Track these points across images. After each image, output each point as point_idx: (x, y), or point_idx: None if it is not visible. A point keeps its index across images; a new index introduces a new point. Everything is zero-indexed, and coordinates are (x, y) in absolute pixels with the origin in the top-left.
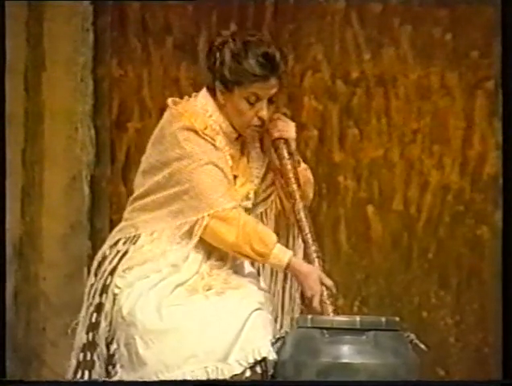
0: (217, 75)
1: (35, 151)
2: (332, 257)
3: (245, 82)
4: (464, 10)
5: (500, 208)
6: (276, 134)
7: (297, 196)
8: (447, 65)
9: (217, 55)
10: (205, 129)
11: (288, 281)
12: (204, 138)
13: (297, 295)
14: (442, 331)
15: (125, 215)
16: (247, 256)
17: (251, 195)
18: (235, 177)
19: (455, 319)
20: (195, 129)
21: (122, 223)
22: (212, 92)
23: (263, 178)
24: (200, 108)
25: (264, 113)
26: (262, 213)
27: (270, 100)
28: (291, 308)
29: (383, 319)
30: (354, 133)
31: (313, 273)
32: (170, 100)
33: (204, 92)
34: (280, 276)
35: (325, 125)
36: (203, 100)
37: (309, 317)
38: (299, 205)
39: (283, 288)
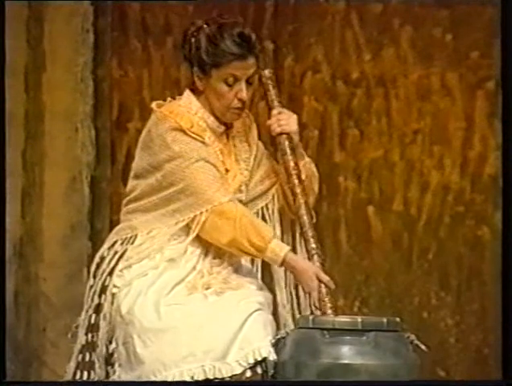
0: (194, 61)
1: (36, 152)
2: (332, 258)
3: (223, 63)
4: (465, 10)
5: (500, 209)
6: (278, 129)
7: (298, 192)
8: (447, 66)
9: (193, 41)
10: (192, 127)
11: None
12: (191, 136)
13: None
14: (442, 332)
15: (121, 217)
16: (244, 252)
17: (243, 188)
18: (227, 171)
19: (455, 320)
20: (181, 129)
21: (119, 225)
22: (195, 91)
23: (254, 170)
24: (184, 108)
25: (243, 94)
26: (262, 208)
27: (248, 82)
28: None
29: (384, 320)
30: (354, 134)
31: (309, 270)
32: (154, 104)
33: (187, 92)
34: (291, 277)
35: (325, 125)
36: (186, 100)
37: (310, 317)
38: (301, 201)
39: (297, 289)
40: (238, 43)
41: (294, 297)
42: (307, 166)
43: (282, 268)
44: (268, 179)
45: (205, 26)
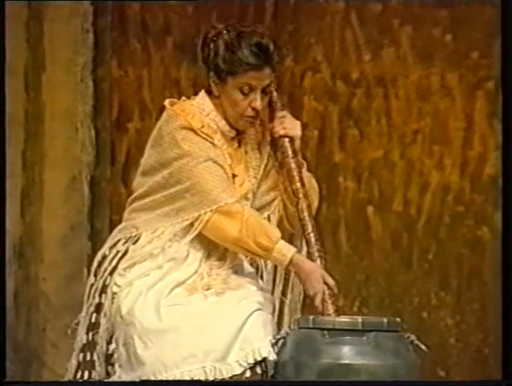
0: (211, 66)
1: (35, 152)
2: (332, 258)
3: (239, 71)
4: (465, 10)
5: (500, 209)
6: (282, 132)
7: (301, 195)
8: (447, 66)
9: (211, 46)
10: (202, 127)
11: (289, 293)
12: (201, 136)
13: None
14: (442, 332)
15: (125, 215)
16: (250, 252)
17: (250, 195)
18: (234, 176)
19: (455, 320)
20: (192, 128)
21: (122, 224)
22: (210, 93)
23: (262, 180)
24: (196, 108)
25: (258, 104)
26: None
27: (264, 92)
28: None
29: (385, 320)
30: (354, 134)
31: (316, 272)
32: (167, 102)
33: (202, 93)
34: (280, 287)
35: (325, 125)
36: (200, 100)
37: (311, 318)
38: (303, 204)
39: (284, 294)
40: (255, 53)
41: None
42: (308, 178)
43: (272, 276)
44: (273, 191)
45: (225, 32)
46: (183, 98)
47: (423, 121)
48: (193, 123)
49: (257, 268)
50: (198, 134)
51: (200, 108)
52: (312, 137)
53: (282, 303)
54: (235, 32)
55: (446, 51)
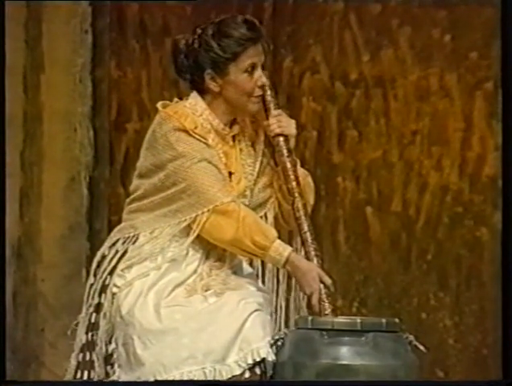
0: (206, 65)
1: (34, 152)
2: (330, 258)
3: (240, 52)
4: (464, 11)
5: (499, 210)
6: (278, 130)
7: (296, 194)
8: (446, 66)
9: (196, 46)
10: (196, 128)
11: (293, 291)
12: (195, 137)
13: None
14: (441, 333)
15: (124, 216)
16: (246, 251)
17: (247, 193)
18: (230, 174)
19: (454, 320)
20: (185, 129)
21: (121, 224)
22: (203, 92)
23: (258, 176)
24: (188, 109)
25: (264, 79)
26: (261, 217)
27: (263, 69)
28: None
29: (384, 321)
30: (353, 135)
31: (313, 271)
32: (159, 104)
33: (194, 93)
34: (284, 285)
35: (324, 126)
36: (192, 101)
37: (309, 318)
38: (299, 203)
39: (287, 300)
40: (248, 27)
41: (283, 308)
42: (303, 176)
43: (275, 275)
44: (269, 188)
45: (200, 31)
46: (176, 100)
47: (421, 122)
48: (186, 124)
49: (260, 267)
50: (191, 135)
51: (193, 109)
52: (311, 137)
53: (287, 301)
54: (214, 25)
55: (445, 51)
